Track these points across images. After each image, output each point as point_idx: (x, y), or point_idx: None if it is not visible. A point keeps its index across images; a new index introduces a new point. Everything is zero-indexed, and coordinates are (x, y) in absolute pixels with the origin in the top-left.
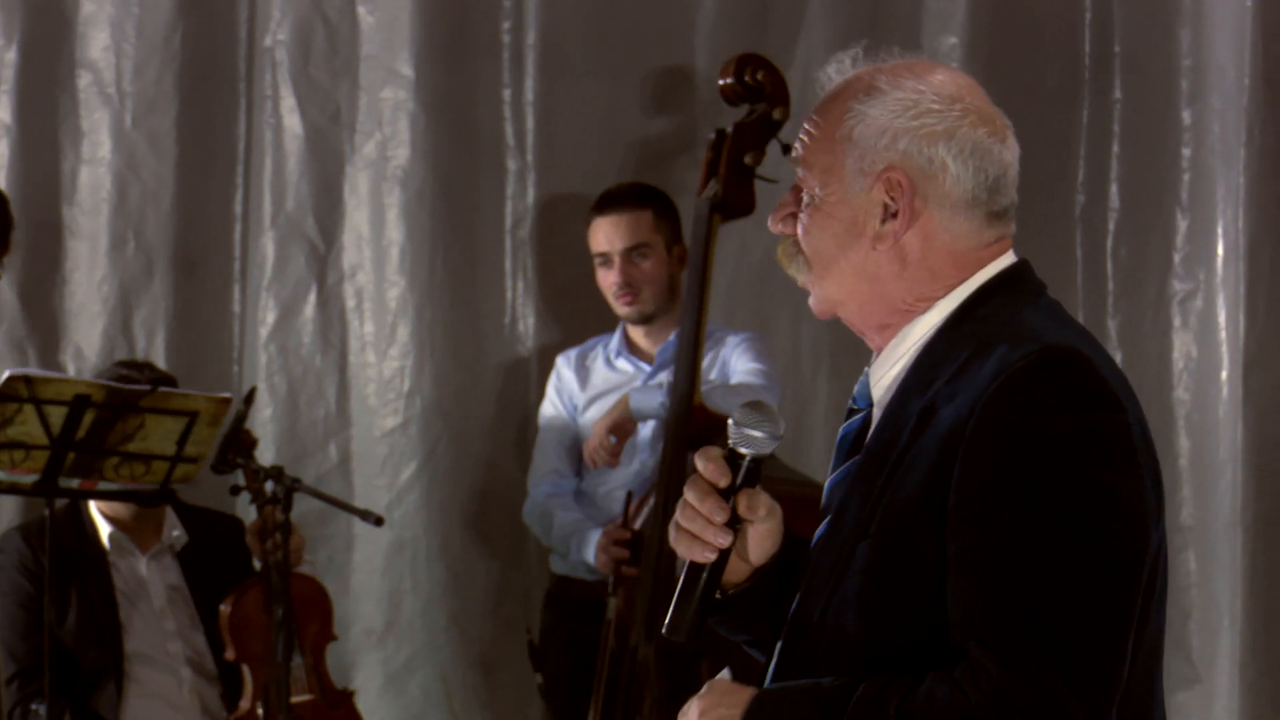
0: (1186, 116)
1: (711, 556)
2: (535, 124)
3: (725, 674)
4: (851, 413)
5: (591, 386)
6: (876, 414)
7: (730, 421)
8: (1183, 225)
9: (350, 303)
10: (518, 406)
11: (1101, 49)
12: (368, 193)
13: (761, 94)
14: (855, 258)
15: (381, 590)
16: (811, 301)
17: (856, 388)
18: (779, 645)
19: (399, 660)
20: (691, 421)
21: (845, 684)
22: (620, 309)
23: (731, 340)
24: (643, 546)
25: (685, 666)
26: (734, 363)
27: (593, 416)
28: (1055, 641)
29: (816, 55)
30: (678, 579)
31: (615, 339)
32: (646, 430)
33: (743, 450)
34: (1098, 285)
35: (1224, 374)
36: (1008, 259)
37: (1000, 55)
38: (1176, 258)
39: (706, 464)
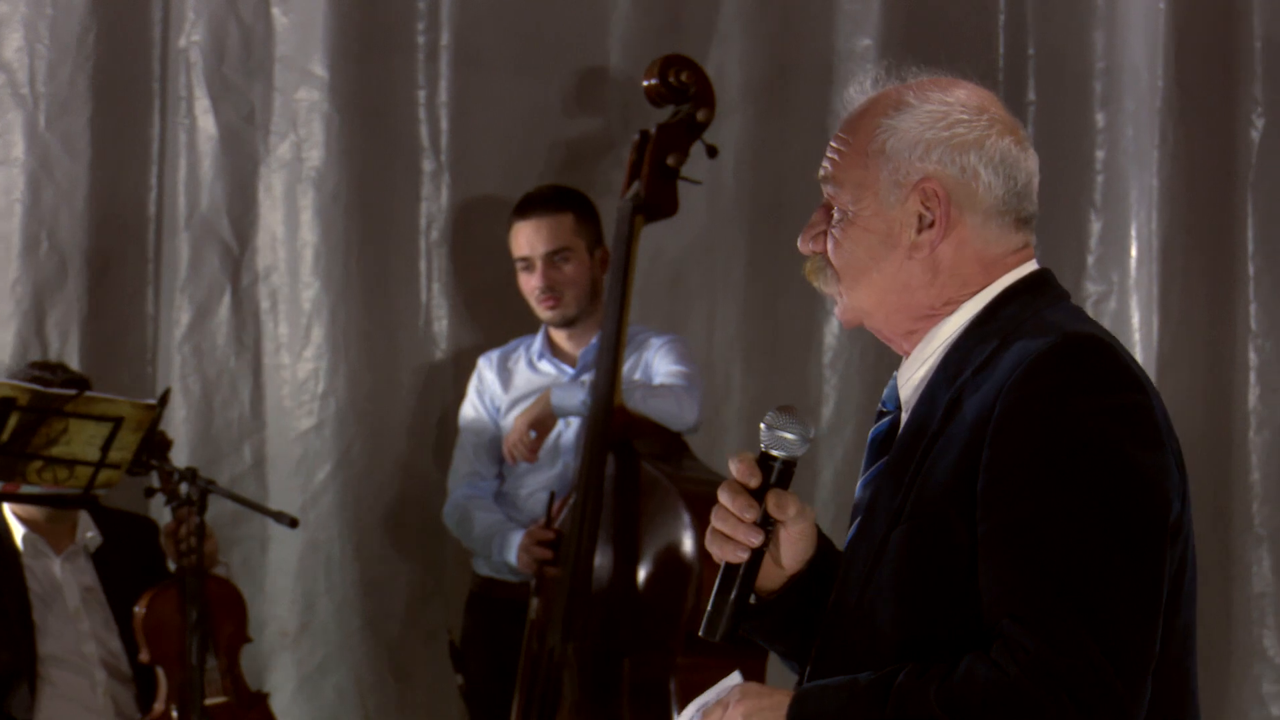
0: (1100, 119)
1: (744, 556)
2: (450, 125)
3: (736, 676)
4: (880, 415)
5: (514, 389)
6: (905, 414)
7: (762, 424)
8: (1096, 227)
9: (265, 304)
10: (433, 408)
11: (1015, 51)
12: (282, 194)
13: (686, 95)
14: (889, 268)
15: (296, 592)
16: (838, 311)
17: (885, 391)
18: (817, 641)
19: (313, 662)
20: (612, 422)
21: (884, 676)
22: (543, 313)
23: (654, 343)
24: (563, 547)
25: (604, 667)
26: (656, 365)
27: (515, 418)
28: (1091, 613)
29: (730, 56)
30: (713, 581)
31: (538, 341)
32: (570, 432)
33: (774, 452)
34: None
35: None
36: (1031, 265)
37: (913, 57)
38: (1090, 259)
39: (738, 465)
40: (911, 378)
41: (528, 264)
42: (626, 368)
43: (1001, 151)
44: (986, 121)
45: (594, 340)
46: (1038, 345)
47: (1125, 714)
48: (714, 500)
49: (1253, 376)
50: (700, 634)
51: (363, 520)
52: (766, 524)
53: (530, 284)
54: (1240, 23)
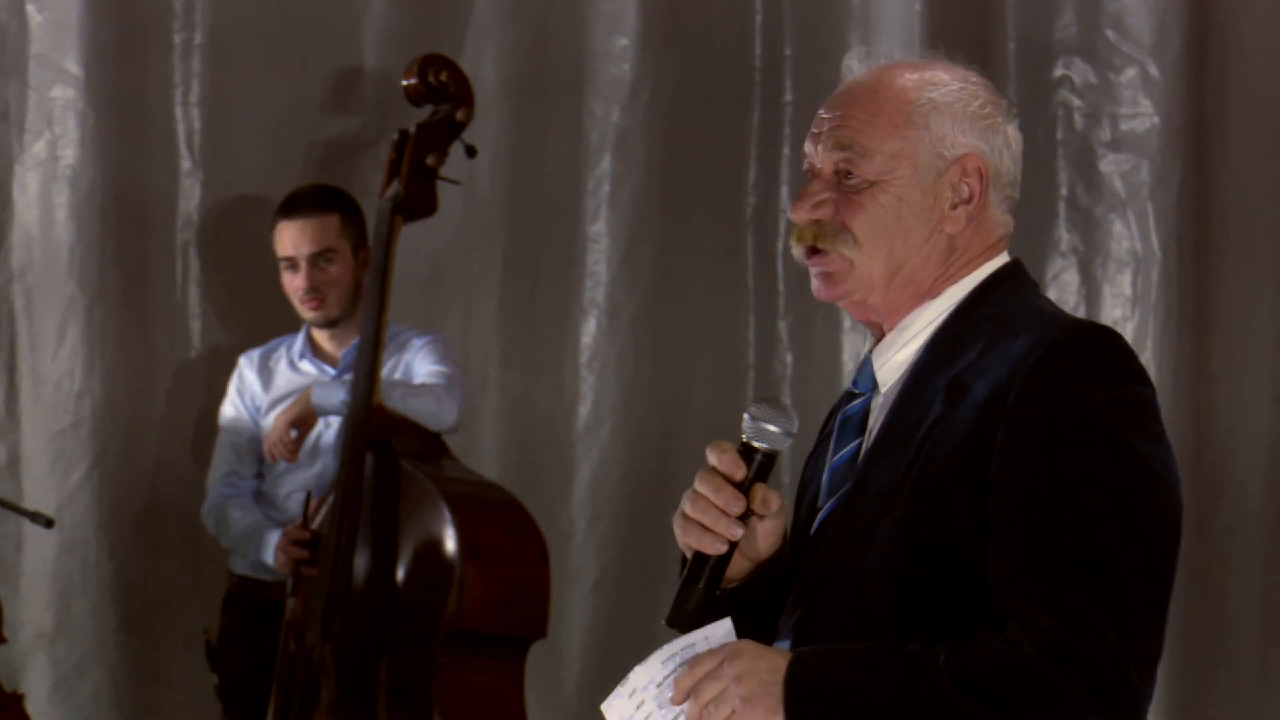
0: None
1: (723, 548)
2: (205, 124)
3: (727, 624)
4: (852, 396)
5: (275, 389)
6: (886, 395)
7: (746, 415)
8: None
9: (19, 303)
10: (190, 407)
11: (772, 52)
12: (37, 192)
13: (445, 95)
14: (916, 239)
15: (52, 593)
16: (824, 285)
17: (856, 374)
18: (791, 627)
19: (69, 663)
20: (371, 422)
21: (889, 644)
22: (306, 313)
23: (415, 343)
24: (321, 547)
25: (362, 668)
26: (417, 365)
27: (275, 418)
28: (1109, 600)
29: (486, 56)
30: (681, 570)
31: (299, 341)
32: (330, 432)
33: (758, 445)
34: (768, 287)
35: None
36: (1006, 253)
37: (671, 58)
38: None
39: (722, 456)
40: (891, 360)
41: (292, 264)
42: (387, 368)
43: (1012, 135)
44: (1005, 106)
45: (355, 340)
46: (1051, 332)
47: (1137, 702)
48: (474, 499)
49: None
50: (666, 622)
51: (119, 520)
52: (744, 517)
53: (294, 284)
54: (995, 24)
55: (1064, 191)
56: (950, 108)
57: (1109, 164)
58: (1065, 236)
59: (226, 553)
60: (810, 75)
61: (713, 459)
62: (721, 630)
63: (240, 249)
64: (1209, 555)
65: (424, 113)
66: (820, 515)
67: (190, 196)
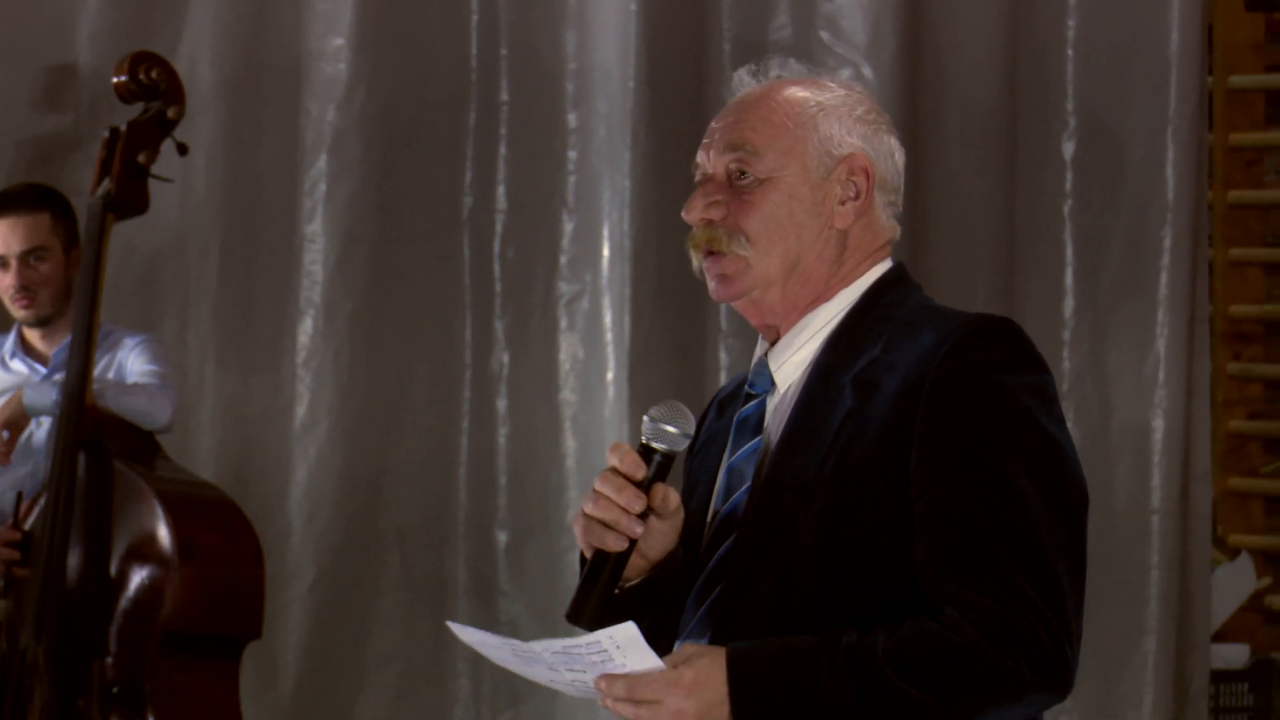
0: (572, 119)
1: (625, 545)
2: None
3: (633, 628)
4: (749, 397)
5: None
6: (786, 395)
7: (646, 417)
8: (569, 227)
9: None
10: None
11: (488, 51)
12: None
13: (156, 92)
14: (809, 234)
15: None
16: (720, 286)
17: (752, 374)
18: (704, 618)
19: None
20: (84, 421)
21: (826, 637)
22: (17, 312)
23: (129, 342)
24: (34, 547)
25: (77, 668)
26: (130, 364)
27: None
28: (1041, 577)
29: (201, 54)
30: (582, 569)
31: (9, 340)
32: (41, 432)
33: (657, 445)
34: (485, 287)
35: (609, 375)
36: (890, 259)
37: (387, 57)
38: (563, 259)
39: (624, 457)
40: (789, 361)
41: (2, 262)
42: (100, 367)
43: (894, 146)
44: (888, 119)
45: (67, 339)
46: (959, 325)
47: (1071, 676)
48: (188, 499)
49: (723, 376)
50: (567, 618)
51: None
52: (643, 515)
53: (4, 282)
54: (710, 25)
55: None
56: (837, 110)
57: None
58: None
59: None
60: (526, 75)
61: (614, 460)
62: (627, 634)
63: None
64: None
65: (135, 110)
66: (724, 509)
67: None
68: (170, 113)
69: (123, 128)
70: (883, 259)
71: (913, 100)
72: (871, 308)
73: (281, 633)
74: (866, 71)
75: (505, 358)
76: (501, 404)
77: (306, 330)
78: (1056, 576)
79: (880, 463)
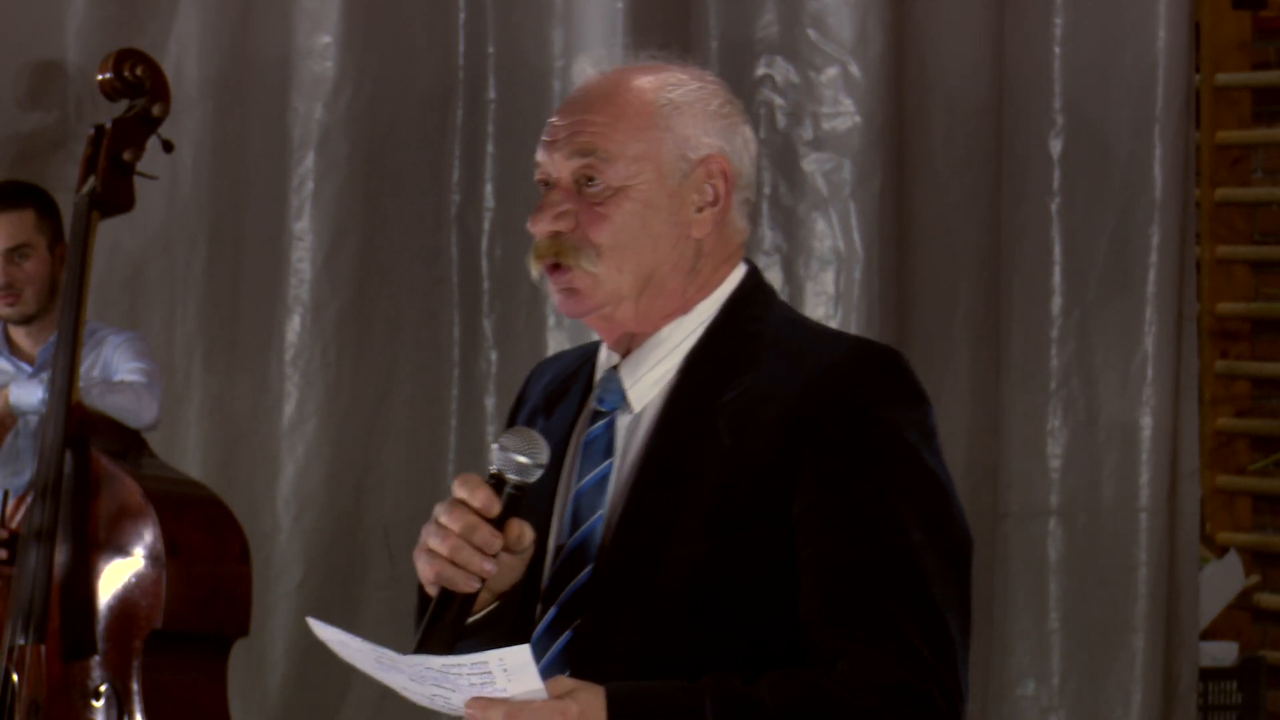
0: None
1: (476, 586)
2: None
3: (526, 652)
4: (598, 415)
5: None
6: (641, 417)
7: (495, 446)
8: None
9: None
10: None
11: (476, 49)
12: None
13: (141, 90)
14: (665, 245)
15: None
16: (569, 301)
17: (600, 390)
18: (561, 654)
19: None
20: (70, 420)
21: (710, 680)
22: (1, 310)
23: (114, 340)
24: (20, 546)
25: (64, 668)
26: (115, 362)
27: None
28: (935, 636)
29: (188, 51)
30: (423, 605)
31: None
32: (27, 430)
33: (511, 477)
34: (473, 285)
35: None
36: (744, 261)
37: (374, 55)
38: None
39: (475, 491)
40: (643, 378)
41: None
42: (86, 365)
43: (749, 136)
44: (741, 106)
45: (53, 338)
46: (843, 354)
47: None
48: (175, 497)
49: None
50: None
51: None
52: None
53: None
54: (697, 23)
55: (767, 190)
56: (691, 107)
57: (811, 163)
58: (769, 235)
59: None
60: (514, 73)
61: (463, 494)
62: (519, 659)
63: None
64: None
65: (120, 108)
66: (575, 540)
67: None
68: (155, 110)
69: (108, 125)
70: (736, 263)
71: (899, 98)
72: (732, 322)
73: (269, 631)
74: (853, 69)
75: (493, 356)
76: (489, 402)
77: (294, 328)
78: (949, 635)
79: (762, 505)
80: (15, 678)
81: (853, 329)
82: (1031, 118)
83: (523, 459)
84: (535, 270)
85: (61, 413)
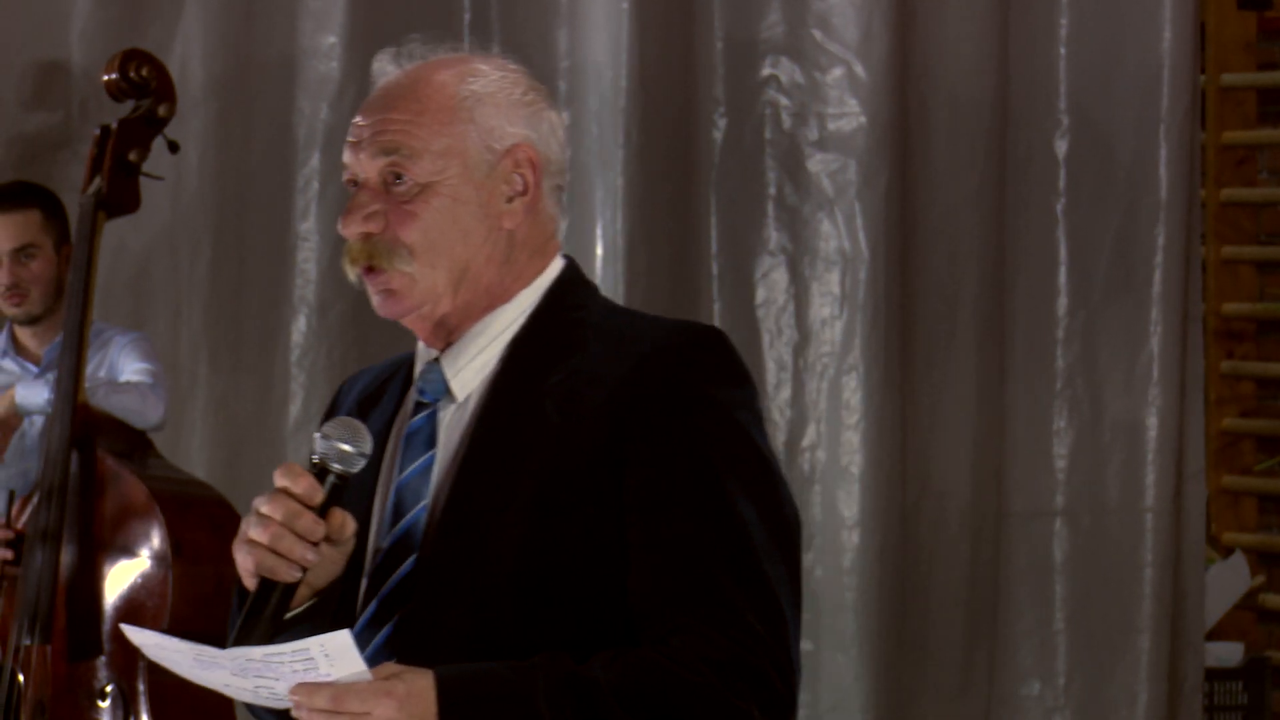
0: (565, 117)
1: (298, 575)
2: None
3: (346, 636)
4: (420, 406)
5: None
6: (464, 407)
7: (318, 435)
8: (562, 225)
9: None
10: None
11: (480, 49)
12: None
13: (147, 90)
14: (475, 240)
15: None
16: (389, 301)
17: (421, 380)
18: (386, 643)
19: None
20: (76, 420)
21: (542, 659)
22: (8, 310)
23: (120, 340)
24: (26, 546)
25: (70, 668)
26: (121, 362)
27: None
28: (768, 611)
29: (193, 52)
30: (241, 599)
31: (1, 339)
32: (34, 431)
33: (334, 466)
34: None
35: None
36: (560, 254)
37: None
38: None
39: (298, 479)
40: (464, 369)
41: None
42: (91, 365)
43: (555, 121)
44: (546, 92)
45: (59, 338)
46: (669, 335)
47: (794, 712)
48: (180, 497)
49: None
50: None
51: None
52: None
53: None
54: (702, 23)
55: (772, 191)
56: (494, 98)
57: (816, 163)
58: (774, 236)
59: None
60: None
61: (285, 481)
62: (339, 643)
63: None
64: (915, 552)
65: (126, 108)
66: (399, 530)
67: None
68: (161, 110)
69: (113, 126)
70: (554, 253)
71: (904, 98)
72: (556, 309)
73: None
74: (858, 70)
75: None
76: None
77: (299, 328)
78: (781, 611)
79: (590, 485)
80: (21, 678)
81: (858, 329)
82: (1036, 118)
83: (346, 447)
84: (352, 274)
85: (67, 413)
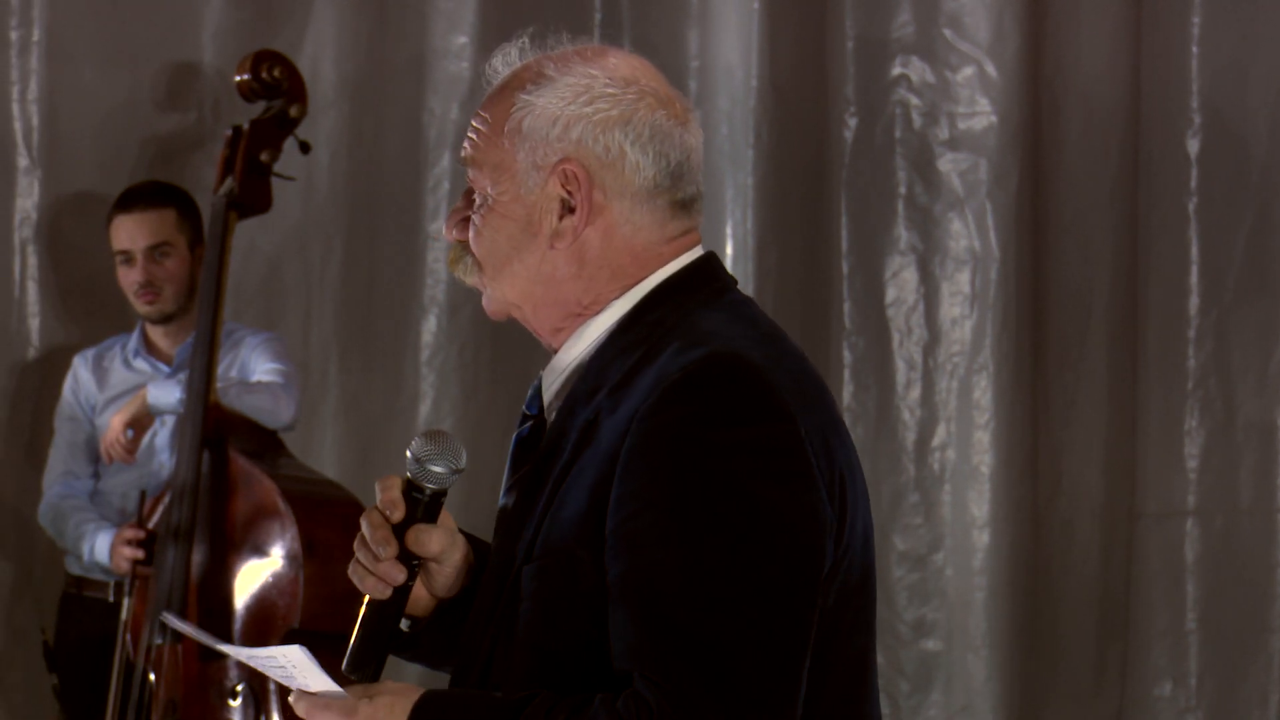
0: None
1: (386, 593)
2: (42, 121)
3: (298, 650)
4: (525, 419)
5: (109, 387)
6: (549, 423)
7: (408, 453)
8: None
9: None
10: (26, 407)
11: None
12: None
13: (278, 90)
14: (531, 259)
15: None
16: (485, 303)
17: (530, 392)
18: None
19: None
20: (207, 420)
21: (522, 696)
22: (141, 308)
23: (251, 341)
24: (158, 546)
25: (200, 666)
26: (253, 362)
27: (110, 417)
28: (720, 675)
29: (324, 52)
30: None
31: (134, 339)
32: (165, 430)
33: (425, 484)
34: None
35: None
36: (693, 254)
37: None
38: None
39: (383, 494)
40: (554, 383)
41: (128, 258)
42: (223, 365)
43: (652, 127)
44: (635, 94)
45: (191, 338)
46: (674, 367)
47: None
48: (312, 497)
49: (846, 374)
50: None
51: None
52: (411, 559)
53: (129, 278)
54: (833, 23)
55: (902, 190)
56: (547, 109)
57: (947, 163)
58: (904, 235)
59: (63, 553)
60: None
61: (379, 495)
62: (295, 656)
63: (78, 247)
64: (1046, 552)
65: (257, 109)
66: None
67: (28, 194)
68: (292, 111)
69: (245, 126)
70: (675, 256)
71: (1035, 97)
72: (634, 325)
73: None
74: (989, 69)
75: None
76: None
77: (430, 328)
78: (740, 674)
79: (583, 528)
80: (153, 677)
81: (988, 329)
82: (1168, 117)
83: (435, 467)
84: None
85: (199, 413)
